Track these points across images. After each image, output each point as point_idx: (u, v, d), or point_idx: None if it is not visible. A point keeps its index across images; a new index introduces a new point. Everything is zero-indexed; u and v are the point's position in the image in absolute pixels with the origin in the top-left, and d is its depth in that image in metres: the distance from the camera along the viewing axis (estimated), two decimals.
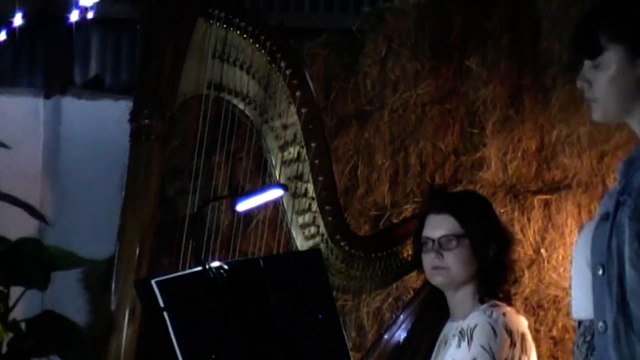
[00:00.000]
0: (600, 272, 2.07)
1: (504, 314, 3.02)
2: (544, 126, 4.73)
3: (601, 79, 2.11)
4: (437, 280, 3.08)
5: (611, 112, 2.13)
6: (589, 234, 2.12)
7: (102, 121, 5.87)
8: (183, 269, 2.97)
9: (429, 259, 3.07)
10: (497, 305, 3.05)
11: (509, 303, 3.12)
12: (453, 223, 3.03)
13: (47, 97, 6.16)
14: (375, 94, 4.97)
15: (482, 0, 4.92)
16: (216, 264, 2.67)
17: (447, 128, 4.86)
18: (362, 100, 5.00)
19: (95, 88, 6.33)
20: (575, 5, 4.73)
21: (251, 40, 3.20)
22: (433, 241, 3.05)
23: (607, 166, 4.50)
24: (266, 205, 3.61)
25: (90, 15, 5.86)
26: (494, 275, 3.03)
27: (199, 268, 2.66)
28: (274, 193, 3.26)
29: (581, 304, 2.14)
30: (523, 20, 4.85)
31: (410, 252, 3.37)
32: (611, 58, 2.09)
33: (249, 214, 3.92)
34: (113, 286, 3.20)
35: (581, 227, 2.30)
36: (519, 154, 4.73)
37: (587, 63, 2.13)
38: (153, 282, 2.68)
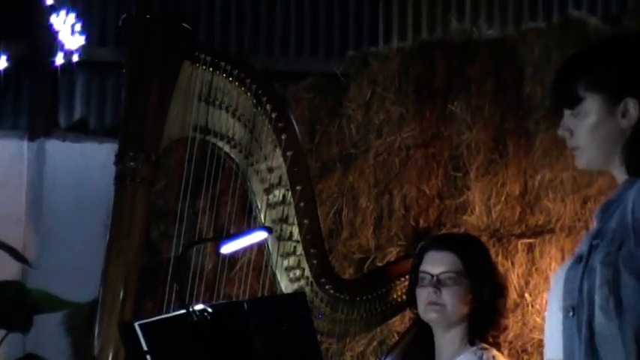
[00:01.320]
0: (571, 314, 2.08)
1: (494, 357, 3.02)
2: (527, 170, 4.74)
3: (581, 127, 2.12)
4: (431, 316, 3.07)
5: (594, 160, 2.14)
6: (562, 276, 2.13)
7: (86, 163, 5.86)
8: (167, 312, 2.95)
9: (425, 294, 3.06)
10: (486, 348, 3.05)
11: (498, 349, 3.12)
12: (454, 260, 3.04)
13: (31, 139, 6.15)
14: (359, 138, 4.98)
15: (465, 46, 4.96)
16: (199, 307, 2.65)
17: (431, 172, 4.87)
18: (346, 144, 5.01)
19: (80, 130, 6.33)
20: (557, 51, 4.78)
21: (237, 83, 3.20)
22: (432, 276, 3.05)
23: (590, 211, 4.51)
24: (250, 248, 3.60)
25: (75, 58, 5.87)
26: (487, 319, 3.04)
27: (183, 311, 2.64)
28: (258, 236, 3.25)
29: (556, 346, 2.15)
30: (506, 66, 4.89)
31: (395, 296, 3.37)
32: (590, 107, 2.10)
33: (233, 257, 3.90)
34: (96, 329, 3.17)
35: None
36: (503, 198, 4.74)
37: (567, 112, 2.15)
38: (136, 325, 2.66)
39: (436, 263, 3.05)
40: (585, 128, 2.11)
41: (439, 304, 3.03)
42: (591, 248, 2.06)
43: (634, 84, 2.08)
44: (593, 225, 2.14)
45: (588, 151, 2.13)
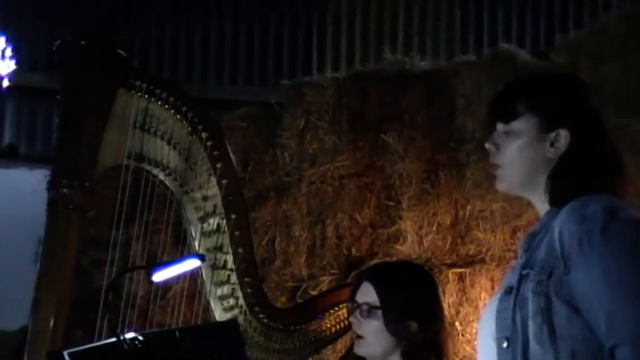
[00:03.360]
0: (505, 345, 2.08)
1: None
2: (459, 201, 4.78)
3: (510, 146, 2.12)
4: (356, 349, 3.01)
5: (515, 182, 2.14)
6: (494, 307, 2.14)
7: (16, 190, 5.76)
8: (98, 341, 2.89)
9: (353, 325, 3.01)
10: None
11: None
12: (371, 292, 2.97)
13: None
14: (293, 167, 4.98)
15: (398, 77, 5.00)
16: (131, 335, 2.60)
17: (363, 201, 4.88)
18: (280, 173, 5.00)
19: (9, 157, 6.23)
20: (487, 84, 4.84)
21: (172, 111, 3.16)
22: (354, 306, 3.00)
23: (519, 241, 4.56)
24: (184, 276, 3.56)
25: (5, 83, 5.78)
26: (416, 353, 2.94)
27: (114, 340, 2.59)
28: (191, 264, 3.21)
29: None
30: (438, 98, 4.94)
31: (329, 325, 3.34)
32: (524, 126, 2.11)
33: (165, 285, 3.85)
34: (25, 358, 3.10)
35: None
36: (435, 228, 4.77)
37: (499, 127, 2.15)
38: (65, 353, 2.60)
39: (360, 293, 2.98)
40: (513, 147, 2.11)
41: (360, 337, 2.97)
42: (521, 278, 2.07)
43: (570, 116, 2.11)
44: (516, 256, 2.15)
45: (510, 171, 2.13)
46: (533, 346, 2.01)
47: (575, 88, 2.17)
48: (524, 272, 2.07)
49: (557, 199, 2.10)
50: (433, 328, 2.92)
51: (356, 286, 3.02)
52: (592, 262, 1.97)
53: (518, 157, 2.12)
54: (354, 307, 2.97)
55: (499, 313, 2.10)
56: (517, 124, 2.13)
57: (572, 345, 1.97)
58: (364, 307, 2.92)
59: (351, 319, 2.98)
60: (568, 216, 2.01)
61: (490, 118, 2.20)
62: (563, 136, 2.10)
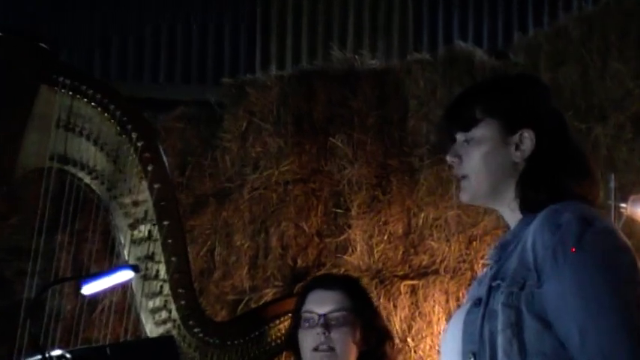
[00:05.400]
0: None
1: None
2: (411, 208, 4.79)
3: (473, 154, 2.13)
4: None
5: (481, 193, 2.14)
6: (459, 321, 2.13)
7: None
8: (21, 358, 2.87)
9: (311, 338, 2.97)
10: None
11: None
12: (344, 299, 2.98)
13: None
14: (234, 172, 4.96)
15: (348, 76, 5.00)
16: (57, 352, 2.58)
17: (310, 209, 4.87)
18: (220, 178, 4.97)
19: None
20: (442, 85, 4.86)
21: (99, 109, 3.14)
22: (319, 316, 2.97)
23: (475, 252, 4.57)
24: (114, 289, 3.53)
25: None
26: None
27: (39, 357, 2.57)
28: (124, 275, 3.19)
29: None
30: (390, 98, 4.94)
31: (269, 339, 3.33)
32: (485, 132, 2.12)
33: (94, 298, 3.82)
34: None
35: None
36: (386, 237, 4.77)
37: (459, 137, 2.15)
38: None
39: (324, 302, 2.98)
40: (477, 155, 2.12)
41: (328, 348, 2.96)
42: (491, 290, 2.06)
43: (533, 116, 2.11)
44: (483, 267, 2.15)
45: (477, 181, 2.13)
46: None
47: (534, 87, 2.18)
48: (494, 284, 2.06)
49: (528, 205, 2.10)
50: (387, 341, 3.05)
51: (302, 299, 3.02)
52: (565, 275, 1.97)
53: (483, 165, 2.13)
54: (315, 317, 2.96)
55: (466, 326, 2.10)
56: (478, 131, 2.14)
57: None
58: (338, 314, 2.93)
59: (311, 331, 2.97)
60: (542, 225, 2.02)
61: (448, 129, 2.20)
62: (528, 138, 2.11)
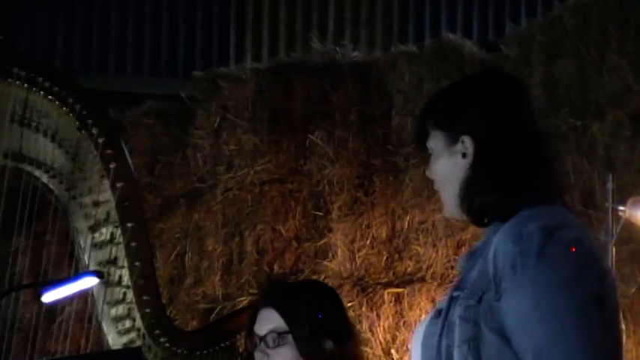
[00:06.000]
0: None
1: None
2: (396, 211, 4.80)
3: (434, 168, 2.17)
4: None
5: (450, 206, 2.16)
6: (421, 332, 2.14)
7: None
8: None
9: None
10: None
11: None
12: (277, 318, 2.98)
13: None
14: (206, 171, 4.96)
15: (328, 69, 5.01)
16: None
17: (288, 211, 4.88)
18: (192, 177, 4.98)
19: None
20: (429, 79, 4.87)
21: (57, 103, 3.14)
22: (260, 338, 3.01)
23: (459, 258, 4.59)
24: (75, 296, 3.53)
25: None
26: None
27: None
28: (87, 282, 3.19)
29: None
30: (373, 93, 4.96)
31: (241, 349, 3.34)
32: (435, 144, 2.16)
33: (53, 307, 3.82)
34: None
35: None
36: (368, 242, 4.79)
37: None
38: None
39: (262, 323, 2.99)
40: (437, 169, 2.17)
41: None
42: (451, 301, 2.07)
43: (470, 120, 2.14)
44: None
45: (443, 195, 2.17)
46: None
47: (480, 89, 2.19)
48: (454, 294, 2.07)
49: (474, 216, 2.11)
50: (350, 345, 2.96)
51: (252, 318, 3.02)
52: (524, 290, 1.97)
53: (442, 178, 2.16)
54: (256, 340, 2.96)
55: (425, 338, 2.11)
56: (430, 144, 2.19)
57: None
58: (270, 337, 2.92)
59: (257, 354, 2.98)
60: (505, 234, 2.02)
61: (415, 142, 2.27)
62: (469, 143, 2.13)
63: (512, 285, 1.98)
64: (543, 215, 2.03)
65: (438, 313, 2.10)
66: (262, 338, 2.96)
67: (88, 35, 6.16)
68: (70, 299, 3.69)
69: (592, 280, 1.99)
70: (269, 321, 2.97)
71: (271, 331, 2.95)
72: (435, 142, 2.18)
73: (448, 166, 2.15)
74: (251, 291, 4.81)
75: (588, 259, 2.01)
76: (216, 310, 4.80)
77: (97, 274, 3.19)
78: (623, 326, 4.51)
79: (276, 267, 4.85)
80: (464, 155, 2.14)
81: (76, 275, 3.26)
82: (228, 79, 5.03)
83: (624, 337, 4.45)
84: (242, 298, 4.80)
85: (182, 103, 5.07)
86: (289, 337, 2.93)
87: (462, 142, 2.14)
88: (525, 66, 4.82)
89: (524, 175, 2.10)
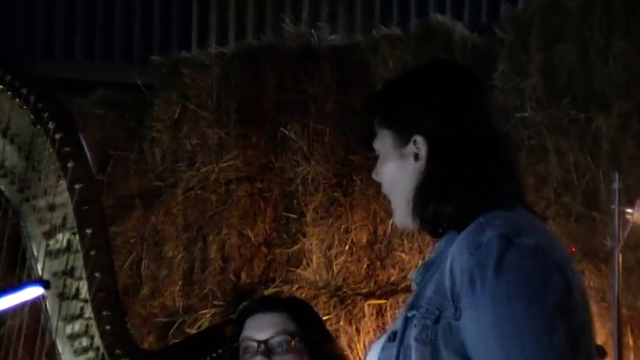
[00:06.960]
0: None
1: None
2: (378, 213, 4.83)
3: (381, 170, 2.17)
4: None
5: (402, 214, 2.15)
6: (375, 358, 2.13)
7: None
8: None
9: None
10: None
11: None
12: (287, 322, 3.03)
13: None
14: (165, 168, 4.97)
15: (302, 54, 5.02)
16: None
17: (257, 213, 4.90)
18: (149, 175, 4.98)
19: None
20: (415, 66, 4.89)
21: (9, 94, 3.13)
22: (259, 343, 3.03)
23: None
24: (21, 308, 3.52)
25: None
26: None
27: None
28: (32, 292, 3.19)
29: None
30: (353, 81, 4.97)
31: None
32: (383, 144, 2.16)
33: None
34: None
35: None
36: (347, 248, 4.81)
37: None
38: None
39: (263, 327, 3.04)
40: (384, 172, 2.16)
41: None
42: (406, 322, 2.07)
43: (422, 118, 2.13)
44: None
45: (394, 202, 2.16)
46: None
47: (434, 82, 2.19)
48: (409, 314, 2.07)
49: (429, 225, 2.10)
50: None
51: (239, 325, 3.05)
52: (483, 305, 1.98)
53: (391, 183, 2.15)
54: (254, 345, 3.00)
55: None
56: (377, 145, 2.18)
57: None
58: (281, 339, 2.98)
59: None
60: (461, 244, 2.02)
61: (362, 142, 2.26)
62: (421, 143, 2.12)
63: (471, 301, 1.98)
64: (501, 221, 2.03)
65: (393, 335, 2.10)
66: (265, 342, 3.00)
67: (31, 17, 6.15)
68: (15, 312, 3.68)
69: (556, 291, 2.00)
70: (274, 324, 3.01)
71: (278, 335, 2.99)
72: (382, 142, 2.16)
73: (398, 170, 2.13)
74: (215, 302, 4.83)
75: (552, 267, 2.01)
76: (176, 325, 4.82)
77: (43, 283, 3.19)
78: (631, 342, 4.56)
79: (243, 276, 4.87)
80: (416, 157, 2.13)
81: (21, 284, 3.25)
82: (190, 64, 5.04)
83: (631, 355, 4.50)
84: (205, 311, 4.81)
85: (138, 92, 5.08)
86: (298, 342, 2.98)
87: (414, 142, 2.13)
88: (522, 52, 4.86)
89: (484, 178, 2.09)
